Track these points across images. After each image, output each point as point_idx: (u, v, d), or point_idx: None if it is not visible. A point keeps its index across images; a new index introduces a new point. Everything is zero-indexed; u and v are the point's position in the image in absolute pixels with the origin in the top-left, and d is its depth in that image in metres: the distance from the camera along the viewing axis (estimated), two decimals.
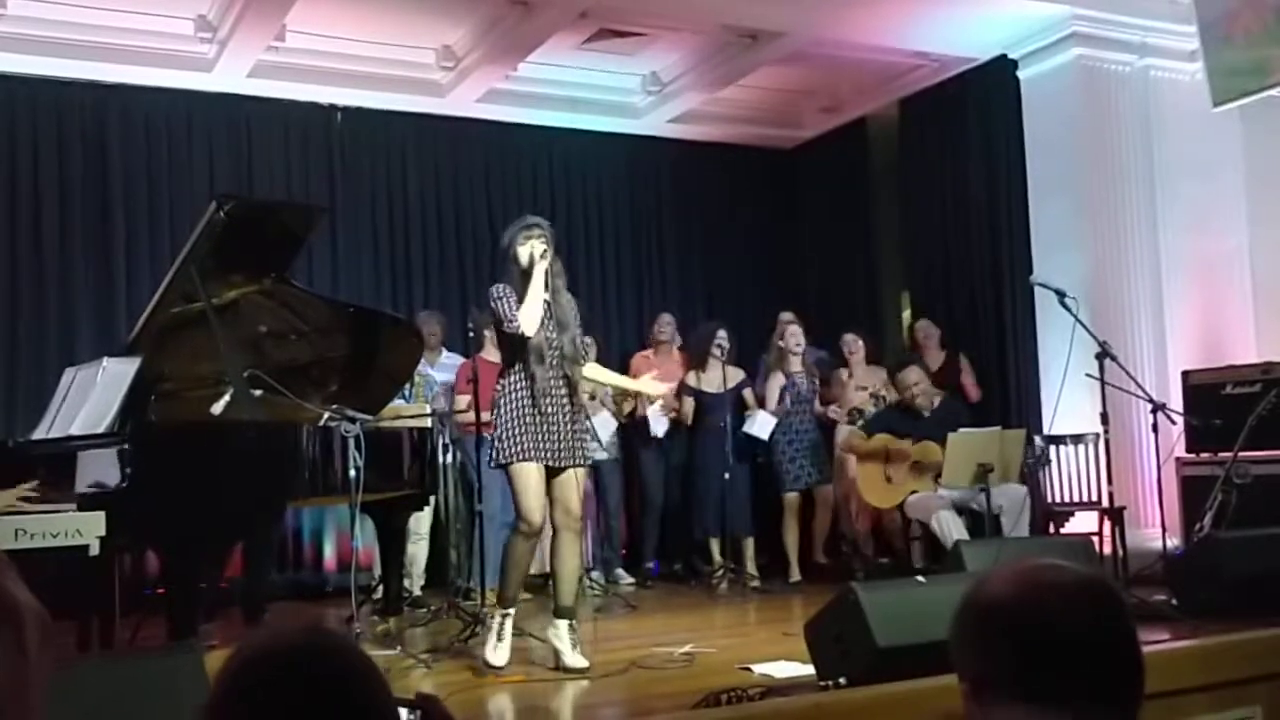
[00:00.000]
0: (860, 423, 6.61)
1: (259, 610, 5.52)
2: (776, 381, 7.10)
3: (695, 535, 7.27)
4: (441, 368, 7.01)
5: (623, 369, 7.50)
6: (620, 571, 7.19)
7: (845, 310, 8.37)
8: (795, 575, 6.95)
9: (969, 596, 1.33)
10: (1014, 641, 1.25)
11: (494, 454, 4.39)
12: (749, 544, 7.02)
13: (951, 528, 5.86)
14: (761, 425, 6.93)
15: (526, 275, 4.37)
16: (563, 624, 4.37)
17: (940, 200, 8.04)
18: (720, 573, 6.84)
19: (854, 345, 7.41)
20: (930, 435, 6.14)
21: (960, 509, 6.02)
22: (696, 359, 7.18)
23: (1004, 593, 1.29)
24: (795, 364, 7.15)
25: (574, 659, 4.28)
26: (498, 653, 4.29)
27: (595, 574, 6.95)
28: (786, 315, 7.50)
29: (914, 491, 6.12)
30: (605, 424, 6.85)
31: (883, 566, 6.89)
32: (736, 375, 7.15)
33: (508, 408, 4.37)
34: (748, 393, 7.13)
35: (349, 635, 1.25)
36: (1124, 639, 1.28)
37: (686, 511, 7.35)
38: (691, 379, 7.15)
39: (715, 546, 7.04)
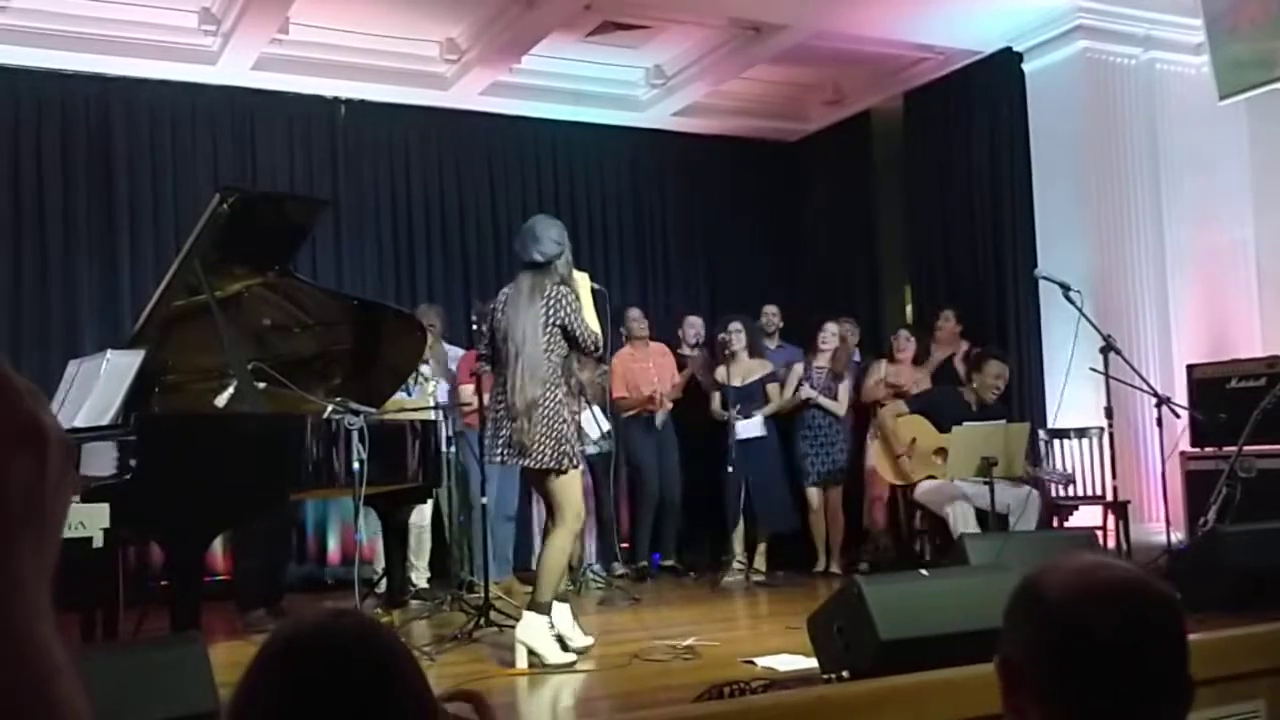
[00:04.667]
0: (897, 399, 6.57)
1: (258, 600, 5.56)
2: (795, 373, 7.10)
3: (710, 527, 7.28)
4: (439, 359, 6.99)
5: None
6: (616, 565, 7.16)
7: (848, 303, 8.35)
8: (820, 565, 6.99)
9: (1024, 583, 1.31)
10: (1050, 641, 1.24)
11: (564, 458, 4.30)
12: (762, 544, 7.01)
13: (965, 520, 5.83)
14: (743, 429, 6.86)
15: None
16: (565, 607, 4.45)
17: (944, 193, 8.03)
18: (724, 566, 6.84)
19: (904, 343, 7.24)
20: None
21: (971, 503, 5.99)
22: (719, 351, 7.18)
23: (1054, 589, 1.26)
24: (821, 359, 7.12)
25: (582, 638, 4.40)
26: (559, 649, 4.28)
27: (595, 567, 6.95)
28: (771, 309, 7.63)
29: (930, 477, 6.07)
30: (590, 421, 6.66)
31: (887, 559, 6.89)
32: (762, 368, 7.09)
33: (569, 414, 4.38)
34: (772, 387, 7.09)
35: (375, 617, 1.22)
36: (1167, 653, 1.24)
37: (687, 504, 7.34)
38: (720, 373, 7.13)
39: (735, 541, 6.97)
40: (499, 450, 4.37)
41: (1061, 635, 1.23)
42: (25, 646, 0.64)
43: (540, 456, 4.25)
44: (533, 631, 4.21)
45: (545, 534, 4.53)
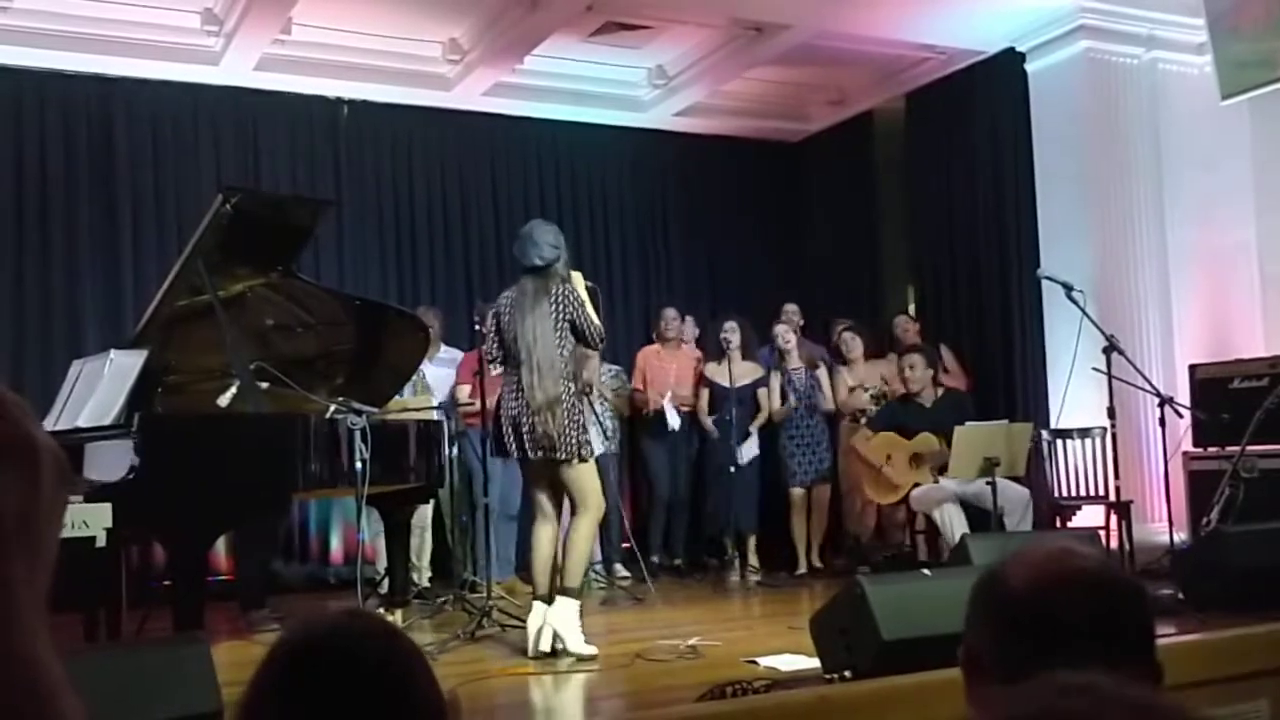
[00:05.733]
0: (864, 419, 6.63)
1: (259, 599, 5.56)
2: (776, 380, 7.09)
3: (706, 528, 7.28)
4: (440, 362, 6.98)
5: (629, 363, 7.53)
6: (618, 566, 7.16)
7: (851, 304, 8.35)
8: (802, 568, 6.95)
9: (988, 572, 1.31)
10: (1013, 631, 1.23)
11: (589, 449, 4.56)
12: (751, 538, 7.02)
13: (954, 522, 5.85)
14: (746, 454, 6.89)
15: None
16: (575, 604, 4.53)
17: (947, 194, 8.03)
18: (725, 565, 6.85)
19: (851, 344, 7.33)
20: (933, 426, 6.14)
21: (965, 503, 6.02)
22: (714, 351, 7.17)
23: (1017, 578, 1.26)
24: (793, 361, 7.12)
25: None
26: (584, 641, 4.36)
27: (598, 567, 6.94)
28: (791, 307, 7.56)
29: (916, 484, 6.12)
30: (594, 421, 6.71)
31: (889, 560, 6.90)
32: (753, 371, 7.08)
33: (582, 407, 4.63)
34: (763, 392, 7.09)
35: (384, 617, 1.23)
36: (1132, 640, 1.22)
37: (693, 505, 7.35)
38: (709, 370, 7.15)
39: (726, 540, 7.05)
40: (526, 446, 4.50)
41: (1025, 624, 1.22)
42: (26, 667, 0.64)
43: (569, 448, 4.47)
44: (564, 617, 4.34)
45: (535, 524, 4.62)
